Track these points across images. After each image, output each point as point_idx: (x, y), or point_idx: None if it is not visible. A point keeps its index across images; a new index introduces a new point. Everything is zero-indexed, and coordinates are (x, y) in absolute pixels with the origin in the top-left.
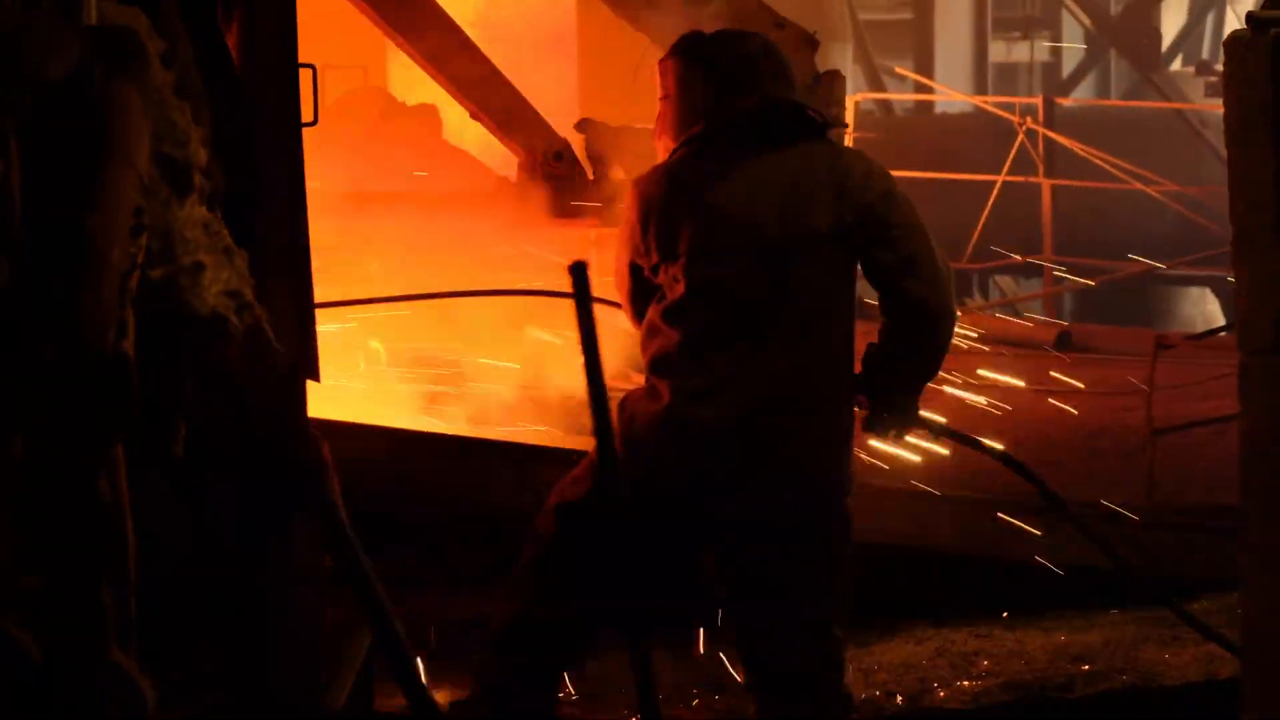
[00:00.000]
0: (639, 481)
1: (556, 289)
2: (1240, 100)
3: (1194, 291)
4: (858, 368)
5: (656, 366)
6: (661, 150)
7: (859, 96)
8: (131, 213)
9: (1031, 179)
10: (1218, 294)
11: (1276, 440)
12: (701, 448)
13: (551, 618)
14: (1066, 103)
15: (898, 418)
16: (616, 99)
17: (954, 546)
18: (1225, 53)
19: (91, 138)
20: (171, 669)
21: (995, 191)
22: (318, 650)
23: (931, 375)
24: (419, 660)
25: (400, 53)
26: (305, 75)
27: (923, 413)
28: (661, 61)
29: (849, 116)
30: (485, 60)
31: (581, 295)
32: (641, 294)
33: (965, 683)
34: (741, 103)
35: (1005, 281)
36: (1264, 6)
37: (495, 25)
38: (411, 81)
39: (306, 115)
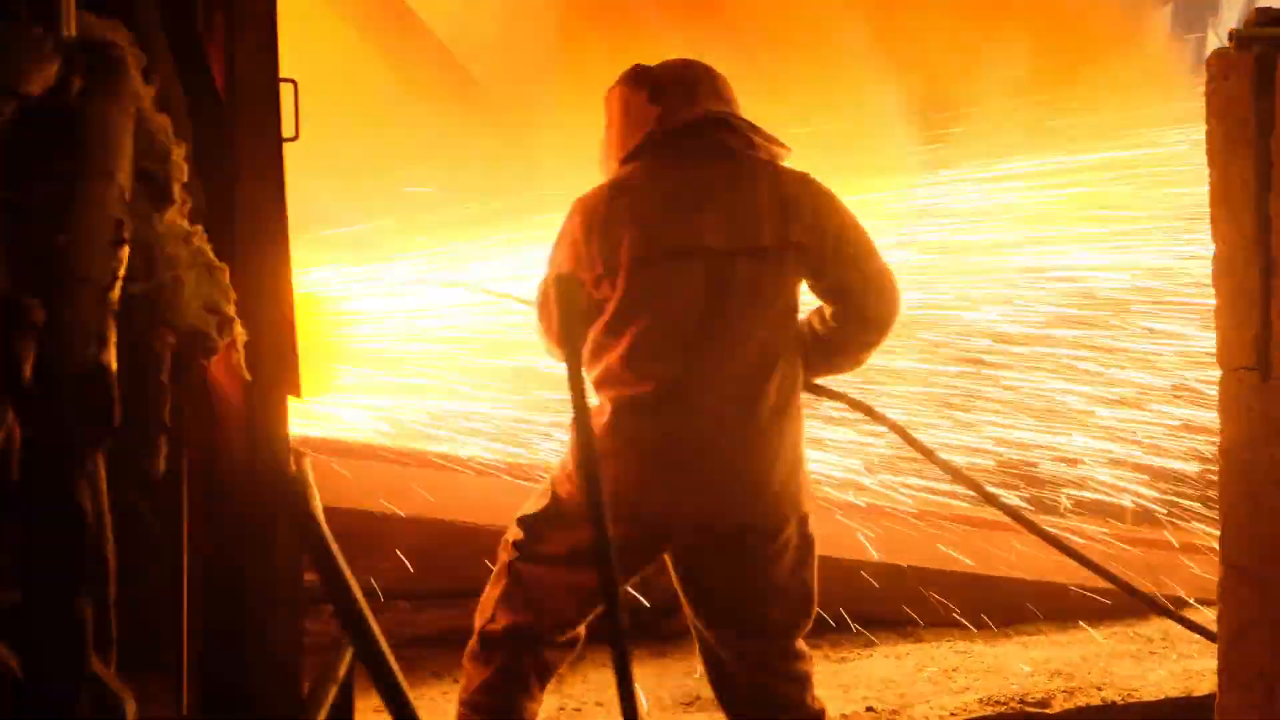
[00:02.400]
0: (645, 490)
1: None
2: (1221, 118)
3: None
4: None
5: (601, 382)
6: (606, 176)
7: None
8: (112, 226)
9: None
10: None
11: (1254, 457)
12: (645, 461)
13: (520, 631)
14: None
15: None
16: None
17: (931, 561)
18: (1207, 71)
19: (71, 152)
20: (150, 682)
21: None
22: (298, 664)
23: (850, 371)
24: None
25: None
26: (287, 90)
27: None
28: (607, 93)
29: None
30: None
31: (567, 307)
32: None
33: (944, 698)
34: (685, 114)
35: None
36: (1247, 25)
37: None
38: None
39: (288, 130)
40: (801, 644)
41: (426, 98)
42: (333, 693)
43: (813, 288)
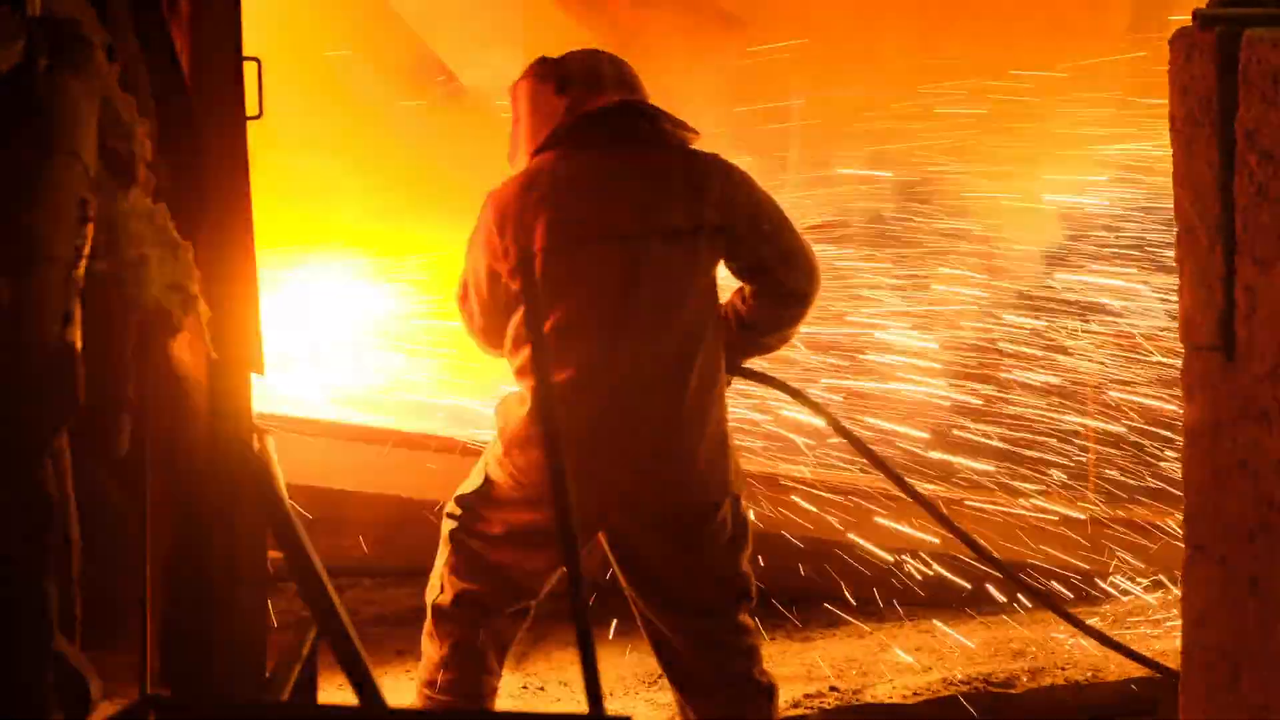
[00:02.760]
0: (520, 484)
1: None
2: (1184, 98)
3: None
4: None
5: (523, 371)
6: (515, 170)
7: None
8: (76, 204)
9: None
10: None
11: (1218, 437)
12: (570, 448)
13: (470, 599)
14: None
15: (730, 373)
16: None
17: (893, 542)
18: (1170, 50)
19: (36, 130)
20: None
21: None
22: (263, 642)
23: (779, 348)
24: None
25: None
26: (250, 68)
27: (746, 365)
28: (513, 87)
29: None
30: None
31: (530, 289)
32: (498, 304)
33: (907, 678)
34: (593, 103)
35: None
36: (1210, 4)
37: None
38: None
39: (251, 109)
40: (746, 618)
41: (394, 78)
42: (296, 671)
43: (731, 268)
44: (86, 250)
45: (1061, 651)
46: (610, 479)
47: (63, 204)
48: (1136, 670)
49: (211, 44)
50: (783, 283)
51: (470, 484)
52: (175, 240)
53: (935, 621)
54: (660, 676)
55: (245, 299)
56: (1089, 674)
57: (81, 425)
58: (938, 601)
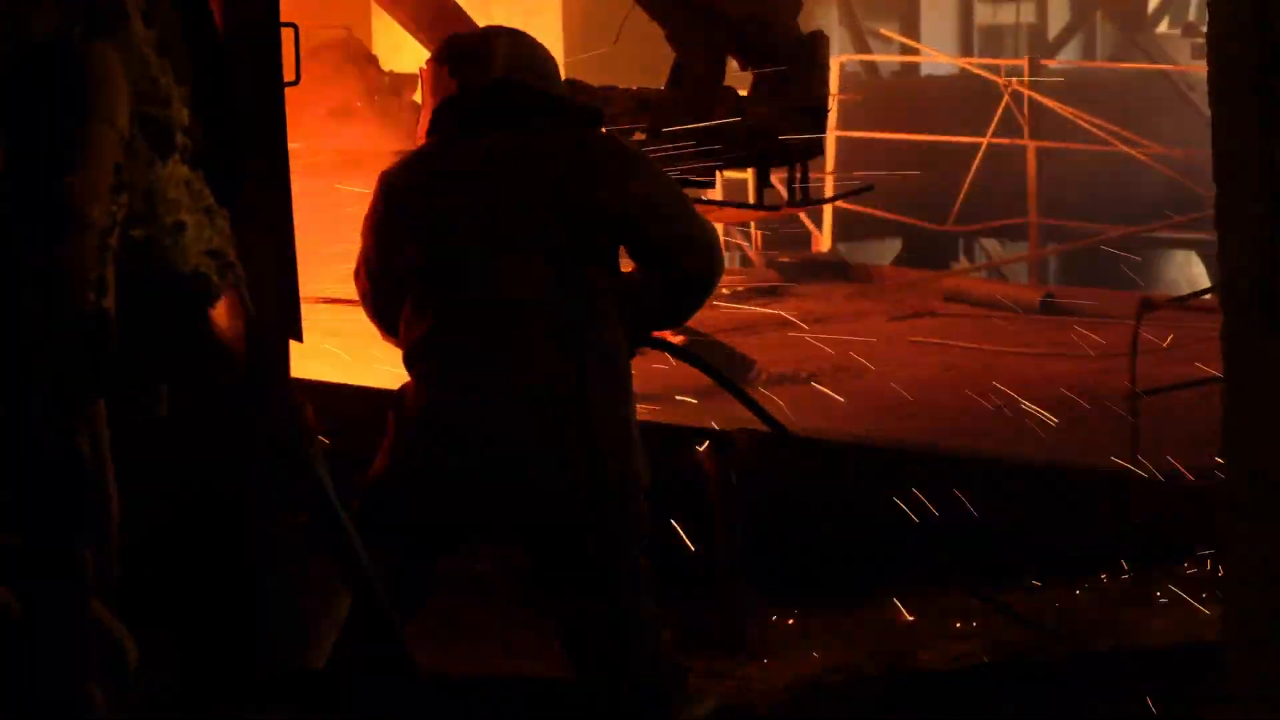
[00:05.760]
0: (421, 476)
1: None
2: (1223, 57)
3: (1179, 255)
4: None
5: (413, 359)
6: None
7: (844, 58)
8: (112, 171)
9: (1017, 141)
10: (1203, 258)
11: (1258, 398)
12: (465, 440)
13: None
14: (1052, 64)
15: (635, 346)
16: (600, 60)
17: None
18: (1209, 15)
19: (72, 96)
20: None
21: (980, 154)
22: (298, 612)
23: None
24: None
25: (385, 15)
26: (287, 34)
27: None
28: (420, 69)
29: (834, 78)
30: (468, 21)
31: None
32: (390, 286)
33: (949, 643)
34: (477, 83)
35: (990, 244)
36: None
37: None
38: (396, 44)
39: (289, 74)
40: (651, 604)
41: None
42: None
43: (629, 252)
44: (122, 217)
45: (1103, 619)
46: (502, 480)
47: (98, 171)
48: (1178, 637)
49: (249, 10)
50: (685, 268)
51: (377, 466)
52: (212, 207)
53: (976, 589)
54: None
55: (283, 265)
56: (1130, 641)
57: (119, 393)
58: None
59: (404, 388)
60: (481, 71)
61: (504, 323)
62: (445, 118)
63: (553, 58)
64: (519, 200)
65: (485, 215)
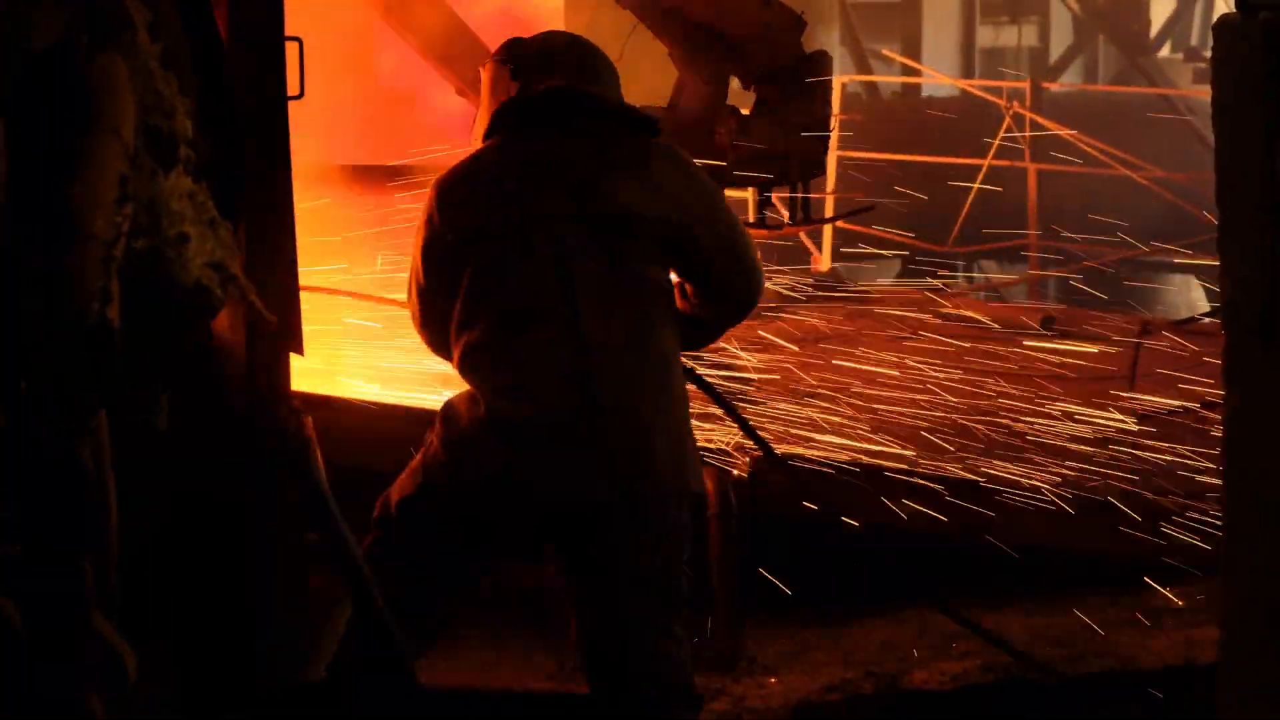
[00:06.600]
0: (472, 486)
1: None
2: (1228, 85)
3: (1178, 278)
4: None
5: (466, 366)
6: None
7: (845, 79)
8: (116, 182)
9: (1017, 164)
10: (1202, 281)
11: (1260, 423)
12: (522, 446)
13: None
14: (1054, 87)
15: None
16: None
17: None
18: (1214, 37)
19: (77, 107)
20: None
21: (981, 175)
22: (299, 624)
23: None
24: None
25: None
26: (292, 48)
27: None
28: (481, 69)
29: (835, 99)
30: (471, 35)
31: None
32: (442, 290)
33: (945, 664)
34: (535, 88)
35: (989, 266)
36: None
37: (480, 2)
38: (398, 61)
39: (293, 89)
40: (675, 626)
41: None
42: (333, 649)
43: (675, 267)
44: (126, 228)
45: (1099, 640)
46: (559, 484)
47: (102, 182)
48: (1174, 659)
49: (254, 23)
50: (734, 288)
51: (410, 485)
52: (216, 219)
53: (972, 610)
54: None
55: (285, 278)
56: (1126, 663)
57: (120, 404)
58: (973, 589)
59: (453, 400)
60: (541, 77)
61: (561, 330)
62: (505, 120)
63: (613, 65)
64: (577, 206)
65: (544, 221)
